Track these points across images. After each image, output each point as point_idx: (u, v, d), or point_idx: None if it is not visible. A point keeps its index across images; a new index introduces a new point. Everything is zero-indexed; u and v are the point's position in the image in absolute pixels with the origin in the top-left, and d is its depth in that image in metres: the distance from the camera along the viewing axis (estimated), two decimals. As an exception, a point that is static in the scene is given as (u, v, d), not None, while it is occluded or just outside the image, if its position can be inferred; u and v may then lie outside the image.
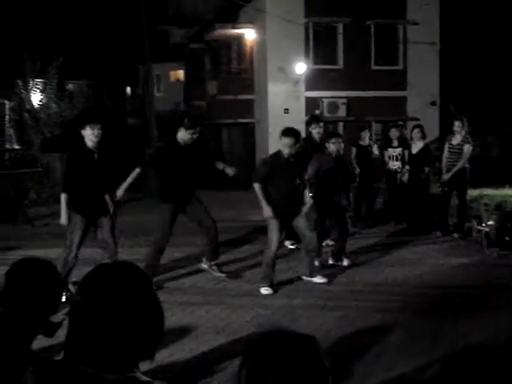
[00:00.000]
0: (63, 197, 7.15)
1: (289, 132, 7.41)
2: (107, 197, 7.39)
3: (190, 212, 7.78)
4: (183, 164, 7.58)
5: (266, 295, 7.32)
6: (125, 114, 35.31)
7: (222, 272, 8.15)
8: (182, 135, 7.62)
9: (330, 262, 8.81)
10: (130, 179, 7.72)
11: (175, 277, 8.20)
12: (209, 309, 6.82)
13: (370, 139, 13.32)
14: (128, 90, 38.82)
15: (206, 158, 8.07)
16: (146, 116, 22.30)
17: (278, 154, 7.49)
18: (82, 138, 7.21)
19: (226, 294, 7.44)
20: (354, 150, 12.62)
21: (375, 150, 12.77)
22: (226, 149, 26.08)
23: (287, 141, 7.31)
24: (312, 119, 9.93)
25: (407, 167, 11.73)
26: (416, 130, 11.55)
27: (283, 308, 6.82)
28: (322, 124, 9.78)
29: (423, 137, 11.48)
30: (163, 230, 7.60)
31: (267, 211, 7.31)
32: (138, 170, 7.74)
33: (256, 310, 6.74)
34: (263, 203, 7.34)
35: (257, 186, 7.42)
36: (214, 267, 8.09)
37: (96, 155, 7.22)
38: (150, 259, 7.57)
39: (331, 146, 8.67)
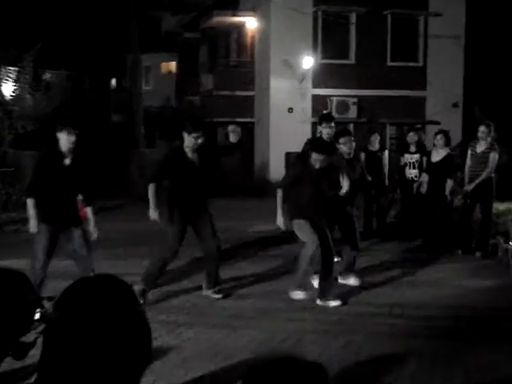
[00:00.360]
0: (29, 202, 7.25)
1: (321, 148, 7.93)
2: (80, 203, 7.49)
3: (197, 226, 7.91)
4: (192, 174, 7.75)
5: (264, 317, 7.31)
6: (109, 109, 35.37)
7: (221, 293, 8.16)
8: (187, 141, 7.78)
9: (340, 280, 8.83)
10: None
11: (162, 293, 8.18)
12: (198, 330, 6.81)
13: (381, 143, 13.34)
14: (113, 82, 38.91)
15: (215, 165, 8.25)
16: (132, 112, 22.33)
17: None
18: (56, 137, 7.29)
19: (219, 315, 7.42)
20: (362, 156, 12.64)
21: (385, 157, 12.82)
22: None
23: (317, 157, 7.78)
24: (323, 118, 9.91)
25: (425, 176, 11.71)
26: (439, 136, 11.47)
27: (282, 331, 6.80)
28: (333, 124, 9.77)
29: (447, 143, 11.44)
30: (168, 247, 7.75)
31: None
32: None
33: (252, 334, 6.73)
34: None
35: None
36: (214, 292, 8.12)
37: (68, 159, 7.27)
38: (151, 270, 7.75)
39: (342, 147, 8.74)
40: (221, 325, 7.03)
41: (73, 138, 7.22)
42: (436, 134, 11.77)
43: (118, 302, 1.67)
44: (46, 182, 7.23)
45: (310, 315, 7.42)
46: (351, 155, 9.04)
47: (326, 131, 9.51)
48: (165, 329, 6.74)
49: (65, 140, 7.21)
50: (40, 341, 1.73)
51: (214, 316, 7.37)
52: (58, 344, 1.65)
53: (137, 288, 7.84)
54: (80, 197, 7.55)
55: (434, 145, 11.55)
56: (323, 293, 7.82)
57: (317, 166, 7.80)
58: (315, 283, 8.25)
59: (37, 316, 2.35)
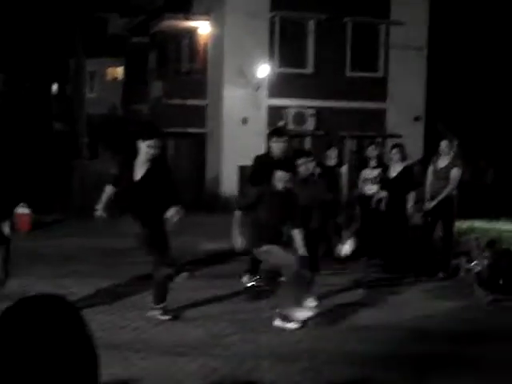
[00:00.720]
0: None
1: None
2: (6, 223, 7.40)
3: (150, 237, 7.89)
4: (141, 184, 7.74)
5: (216, 341, 7.26)
6: (50, 116, 34.93)
7: (168, 315, 8.09)
8: (142, 151, 7.76)
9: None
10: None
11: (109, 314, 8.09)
12: (145, 356, 6.73)
13: (339, 158, 13.44)
14: (55, 87, 38.47)
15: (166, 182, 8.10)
16: (74, 120, 22.11)
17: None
18: None
19: (168, 340, 7.35)
20: (317, 171, 12.72)
21: (343, 172, 12.92)
22: (171, 164, 25.97)
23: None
24: (274, 132, 10.01)
25: (384, 192, 11.84)
26: (395, 150, 11.70)
27: (237, 356, 6.77)
28: (285, 139, 9.80)
29: (403, 158, 11.64)
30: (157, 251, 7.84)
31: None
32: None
33: (203, 360, 6.68)
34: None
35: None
36: (159, 311, 8.04)
37: None
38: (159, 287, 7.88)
39: (300, 169, 8.82)
40: (170, 351, 6.96)
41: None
42: (391, 148, 11.99)
43: (61, 324, 1.64)
44: None
45: (266, 338, 7.39)
46: (309, 174, 9.13)
47: (277, 146, 9.57)
48: (112, 353, 6.65)
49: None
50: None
51: (161, 341, 7.30)
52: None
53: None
54: (22, 207, 7.49)
55: (390, 159, 11.75)
56: (281, 314, 7.82)
57: (280, 186, 7.82)
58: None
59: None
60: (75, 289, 9.29)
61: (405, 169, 11.54)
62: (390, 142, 23.20)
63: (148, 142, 7.67)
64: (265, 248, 7.83)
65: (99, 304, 8.46)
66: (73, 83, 28.03)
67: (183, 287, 9.69)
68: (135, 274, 9.95)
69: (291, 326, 7.76)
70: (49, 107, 35.42)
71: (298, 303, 7.88)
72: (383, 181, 11.97)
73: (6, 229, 7.40)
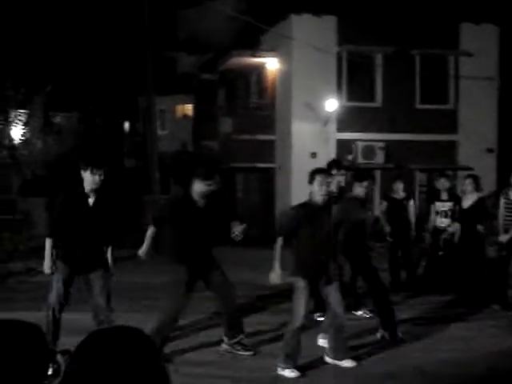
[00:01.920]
0: (48, 242, 7.34)
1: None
2: (109, 250, 7.56)
3: (208, 279, 7.88)
4: (199, 221, 7.68)
5: (286, 378, 7.24)
6: (122, 153, 35.70)
7: (248, 350, 8.09)
8: (198, 187, 7.72)
9: (378, 336, 8.78)
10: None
11: (178, 348, 8.15)
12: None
13: (407, 191, 13.33)
14: (126, 125, 39.32)
15: (224, 212, 8.16)
16: (146, 157, 22.51)
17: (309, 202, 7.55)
18: (76, 179, 7.41)
19: (240, 371, 7.37)
20: (384, 204, 12.67)
21: (411, 205, 12.79)
22: (240, 198, 26.20)
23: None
24: (333, 164, 9.94)
25: (456, 225, 11.71)
26: (468, 181, 11.56)
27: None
28: (344, 171, 9.77)
29: (477, 188, 11.47)
30: (176, 294, 7.65)
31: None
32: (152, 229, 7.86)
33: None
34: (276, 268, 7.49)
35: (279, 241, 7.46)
36: (238, 346, 8.04)
37: (92, 199, 7.38)
38: (159, 327, 7.60)
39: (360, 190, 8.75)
40: (242, 381, 6.98)
41: (98, 178, 7.31)
42: (465, 178, 11.84)
43: (137, 356, 1.69)
44: (68, 222, 7.33)
45: (332, 374, 7.33)
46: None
47: (336, 179, 9.50)
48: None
49: (89, 178, 7.31)
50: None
51: (232, 372, 7.32)
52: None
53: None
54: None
55: (464, 191, 11.59)
56: (336, 351, 7.65)
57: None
58: (320, 342, 8.15)
59: (50, 371, 2.36)
60: (147, 324, 9.39)
61: (479, 199, 11.36)
62: (461, 175, 22.94)
63: (207, 182, 7.67)
64: (297, 282, 7.45)
65: (173, 339, 8.51)
66: (144, 121, 28.61)
67: (251, 321, 9.70)
68: (205, 308, 10.02)
69: (349, 364, 7.63)
70: (121, 144, 36.21)
71: (282, 360, 7.38)
72: (456, 212, 11.81)
73: (110, 260, 7.64)
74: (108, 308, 7.52)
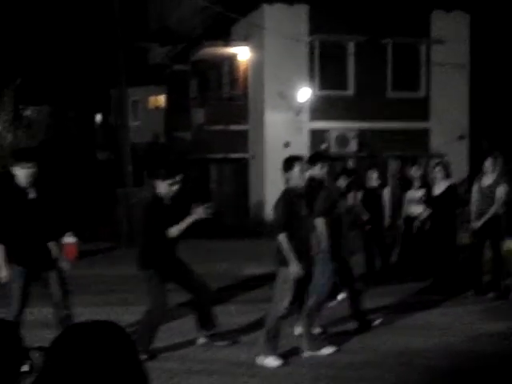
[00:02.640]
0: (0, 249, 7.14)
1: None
2: (52, 245, 7.41)
3: (177, 277, 7.86)
4: (166, 223, 7.60)
5: (264, 366, 7.26)
6: (94, 146, 35.47)
7: (224, 340, 8.12)
8: (162, 188, 7.66)
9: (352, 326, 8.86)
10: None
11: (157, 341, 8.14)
12: (195, 381, 6.76)
13: (381, 179, 13.38)
14: (98, 118, 39.07)
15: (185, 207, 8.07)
16: (119, 149, 22.38)
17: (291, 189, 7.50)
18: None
19: (217, 363, 7.37)
20: (359, 194, 12.73)
21: (386, 194, 12.88)
22: (214, 189, 26.16)
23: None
24: (316, 157, 9.80)
25: (427, 211, 11.80)
26: (438, 168, 11.61)
27: (287, 380, 6.76)
28: (326, 165, 9.67)
29: (447, 175, 11.54)
30: (155, 301, 7.61)
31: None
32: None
33: (252, 383, 6.69)
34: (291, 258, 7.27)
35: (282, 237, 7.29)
36: (214, 337, 8.06)
37: (31, 194, 7.19)
38: (146, 328, 7.61)
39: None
40: (219, 373, 6.98)
41: (29, 172, 7.06)
42: (435, 166, 11.88)
43: (114, 350, 1.68)
44: (10, 222, 7.11)
45: (314, 362, 7.36)
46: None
47: (321, 172, 9.35)
48: (160, 379, 6.70)
49: (21, 174, 7.07)
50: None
51: (210, 364, 7.32)
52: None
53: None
54: (69, 236, 7.55)
55: (433, 178, 11.65)
56: (311, 343, 7.66)
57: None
58: (296, 331, 8.16)
59: (25, 367, 2.33)
60: (123, 317, 9.38)
61: (449, 187, 11.44)
62: (433, 162, 23.08)
63: (169, 181, 7.60)
64: (285, 270, 7.34)
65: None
66: (116, 113, 28.44)
67: (230, 312, 9.72)
68: (179, 300, 10.01)
69: (327, 351, 7.67)
70: (93, 137, 35.99)
71: (266, 349, 7.40)
72: (427, 199, 11.89)
73: (56, 254, 7.50)
74: (67, 303, 7.46)
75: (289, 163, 7.41)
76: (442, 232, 11.32)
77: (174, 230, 7.49)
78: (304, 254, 7.35)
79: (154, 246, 7.62)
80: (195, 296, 8.01)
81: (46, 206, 7.30)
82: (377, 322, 8.96)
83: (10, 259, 7.16)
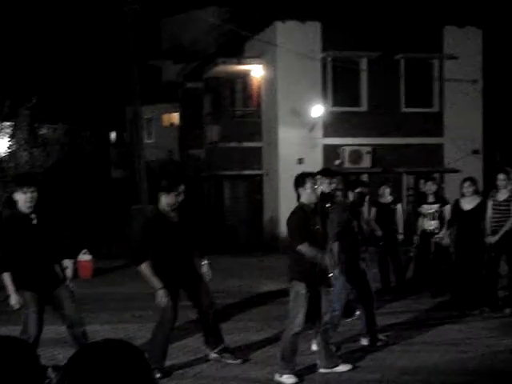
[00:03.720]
0: (7, 276, 7.14)
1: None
2: (64, 263, 7.45)
3: (189, 289, 7.88)
4: (175, 235, 7.63)
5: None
6: (109, 163, 35.63)
7: (236, 358, 8.09)
8: (167, 200, 7.71)
9: (364, 343, 8.80)
10: None
11: (169, 359, 8.13)
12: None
13: (394, 195, 13.35)
14: (113, 135, 39.27)
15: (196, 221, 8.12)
16: (133, 167, 22.47)
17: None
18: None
19: (231, 381, 7.35)
20: (373, 211, 12.70)
21: (399, 209, 12.83)
22: (228, 206, 26.19)
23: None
24: (323, 173, 9.77)
25: (445, 231, 11.73)
26: (467, 183, 11.24)
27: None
28: (335, 180, 9.64)
29: (476, 191, 11.34)
30: (164, 313, 7.62)
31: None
32: None
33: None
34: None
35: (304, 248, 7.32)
36: (225, 354, 8.05)
37: (34, 220, 7.20)
38: (156, 343, 7.61)
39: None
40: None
41: (29, 196, 7.08)
42: (463, 181, 11.49)
43: (129, 370, 1.68)
44: (17, 249, 7.12)
45: (329, 380, 7.32)
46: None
47: (326, 188, 9.37)
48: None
49: (22, 199, 7.11)
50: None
51: (224, 382, 7.29)
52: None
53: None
54: (84, 253, 7.56)
55: (463, 194, 11.35)
56: (327, 359, 7.62)
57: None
58: (314, 347, 8.14)
59: (41, 387, 2.33)
60: (137, 334, 9.38)
61: (482, 202, 11.22)
62: (447, 177, 23.01)
63: (173, 193, 7.67)
64: (297, 286, 7.39)
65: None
66: (130, 130, 28.56)
67: (237, 329, 9.70)
68: (194, 317, 10.00)
69: (343, 368, 7.63)
70: (107, 154, 36.15)
71: (283, 366, 7.35)
72: (455, 214, 11.57)
73: (69, 271, 7.54)
74: (81, 320, 7.50)
75: (300, 179, 7.45)
76: (471, 247, 11.14)
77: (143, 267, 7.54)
78: (318, 269, 7.34)
79: (159, 261, 7.62)
80: (200, 312, 8.00)
81: (48, 229, 7.31)
82: (383, 337, 8.89)
83: (18, 286, 7.17)
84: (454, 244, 11.79)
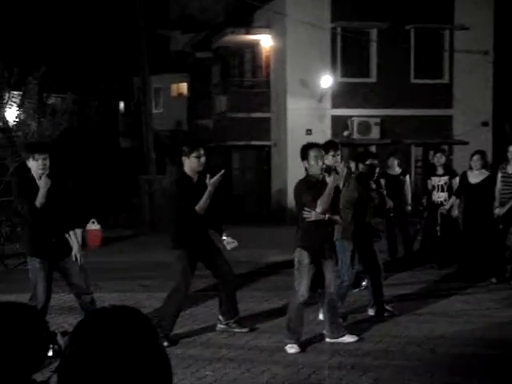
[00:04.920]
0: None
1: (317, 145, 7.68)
2: (71, 234, 7.50)
3: (206, 258, 7.91)
4: (198, 199, 7.64)
5: (284, 352, 7.28)
6: (117, 133, 35.61)
7: (244, 327, 8.16)
8: (190, 164, 7.76)
9: (371, 313, 8.82)
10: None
11: (178, 327, 8.18)
12: (216, 367, 6.79)
13: (402, 167, 13.32)
14: (121, 105, 39.19)
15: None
16: (142, 137, 22.46)
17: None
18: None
19: (238, 350, 7.40)
20: (382, 182, 12.66)
21: (407, 181, 12.83)
22: (236, 176, 26.17)
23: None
24: (328, 145, 9.75)
25: (454, 199, 11.71)
26: (476, 157, 11.24)
27: (306, 367, 6.77)
28: (339, 152, 9.61)
29: (485, 165, 11.33)
30: (183, 278, 7.67)
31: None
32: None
33: (273, 370, 6.70)
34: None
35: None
36: (234, 324, 8.12)
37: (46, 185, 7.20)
38: (168, 311, 7.67)
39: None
40: (240, 360, 7.01)
41: (40, 163, 7.10)
42: (472, 154, 11.49)
43: (136, 336, 1.68)
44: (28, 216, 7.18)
45: (335, 350, 7.37)
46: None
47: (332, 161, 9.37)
48: (180, 366, 6.73)
49: (34, 166, 7.14)
50: (53, 381, 1.74)
51: (234, 351, 7.34)
52: (73, 381, 1.66)
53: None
54: (92, 223, 7.60)
55: (471, 167, 11.36)
56: (333, 329, 7.65)
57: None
58: (321, 316, 8.19)
59: (50, 352, 2.35)
60: (145, 303, 9.44)
61: (490, 176, 11.21)
62: (456, 149, 22.92)
63: (195, 154, 7.74)
64: (299, 253, 7.45)
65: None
66: (138, 100, 28.49)
67: (245, 299, 9.75)
68: (201, 287, 10.05)
69: (350, 339, 7.66)
70: (116, 124, 36.12)
71: (289, 336, 7.41)
72: (462, 187, 11.59)
73: (79, 240, 7.60)
74: (89, 288, 7.56)
75: (304, 151, 7.45)
76: (480, 220, 11.14)
77: (200, 205, 7.53)
78: (322, 240, 7.38)
79: (184, 225, 7.69)
80: (220, 282, 8.05)
81: (60, 196, 7.32)
82: (390, 308, 8.90)
83: (28, 253, 7.31)
84: (461, 216, 11.79)
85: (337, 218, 7.47)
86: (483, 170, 11.24)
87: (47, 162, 7.16)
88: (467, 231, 11.42)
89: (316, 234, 7.31)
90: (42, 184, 7.07)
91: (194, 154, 7.74)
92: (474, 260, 11.19)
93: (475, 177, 11.21)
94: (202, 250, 7.81)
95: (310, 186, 7.33)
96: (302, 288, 7.33)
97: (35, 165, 7.12)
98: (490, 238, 11.22)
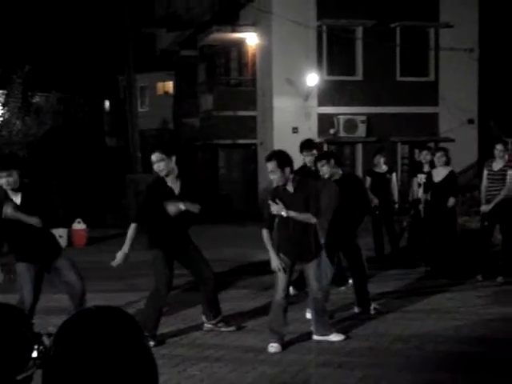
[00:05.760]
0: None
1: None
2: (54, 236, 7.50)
3: (185, 259, 7.88)
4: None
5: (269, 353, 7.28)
6: (103, 132, 35.49)
7: (230, 325, 8.16)
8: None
9: (357, 311, 8.84)
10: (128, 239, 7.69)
11: (165, 327, 8.17)
12: (203, 366, 6.78)
13: (388, 165, 13.37)
14: (106, 104, 39.07)
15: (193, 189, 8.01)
16: (127, 136, 22.41)
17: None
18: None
19: (225, 349, 7.39)
20: (368, 180, 12.69)
21: (393, 179, 12.87)
22: (222, 175, 26.16)
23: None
24: (303, 145, 9.94)
25: (426, 196, 11.75)
26: (439, 154, 11.45)
27: (293, 366, 6.77)
28: (315, 151, 9.73)
29: (447, 162, 11.44)
30: (160, 278, 7.63)
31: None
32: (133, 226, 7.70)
33: (260, 368, 6.70)
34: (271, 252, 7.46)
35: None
36: (221, 323, 8.11)
37: (18, 199, 7.13)
38: (150, 311, 7.64)
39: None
40: (227, 360, 7.00)
41: (3, 181, 6.97)
42: (436, 151, 11.78)
43: (121, 336, 1.67)
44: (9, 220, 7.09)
45: (322, 348, 7.37)
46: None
47: (307, 159, 9.59)
48: (168, 364, 6.72)
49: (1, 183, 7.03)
50: (38, 377, 1.73)
51: (221, 351, 7.34)
52: (57, 381, 1.65)
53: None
54: (78, 222, 7.57)
55: (434, 165, 11.53)
56: (319, 328, 7.67)
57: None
58: (308, 315, 8.21)
59: (34, 353, 2.33)
60: (132, 303, 9.42)
61: (450, 173, 11.35)
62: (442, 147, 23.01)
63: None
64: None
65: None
66: (124, 99, 28.43)
67: (232, 298, 9.74)
68: (187, 286, 10.04)
69: (336, 338, 7.67)
70: (101, 123, 36.01)
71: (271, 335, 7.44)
72: (428, 185, 11.70)
73: (63, 240, 7.57)
74: (82, 286, 7.52)
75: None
76: (441, 218, 11.25)
77: (170, 207, 7.48)
78: (295, 243, 7.46)
79: (157, 226, 7.65)
80: (199, 282, 8.04)
81: (41, 200, 7.22)
82: (377, 306, 8.91)
83: (16, 258, 7.28)
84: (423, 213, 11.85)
85: (293, 214, 7.46)
86: (446, 167, 11.36)
87: (11, 178, 6.98)
88: (431, 230, 11.49)
89: (292, 236, 7.38)
90: (21, 217, 7.01)
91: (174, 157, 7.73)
92: (449, 257, 11.22)
93: (438, 175, 11.34)
94: (178, 250, 7.76)
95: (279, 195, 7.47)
96: (280, 287, 7.40)
97: (1, 182, 7.02)
98: (451, 235, 11.33)
